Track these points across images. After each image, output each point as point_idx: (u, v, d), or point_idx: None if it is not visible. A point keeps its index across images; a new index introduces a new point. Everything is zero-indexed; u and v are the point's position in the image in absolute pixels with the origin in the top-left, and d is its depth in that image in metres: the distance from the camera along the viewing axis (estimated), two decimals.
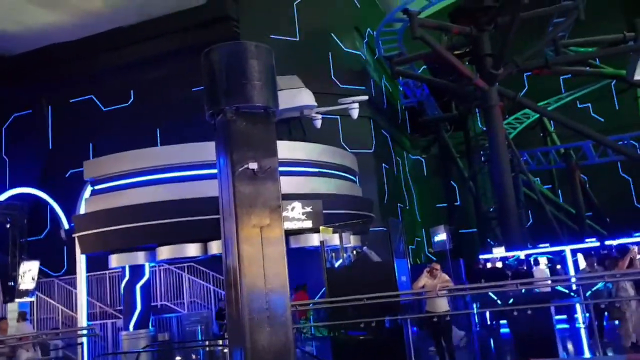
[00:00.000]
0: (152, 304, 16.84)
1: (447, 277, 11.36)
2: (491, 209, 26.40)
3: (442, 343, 10.90)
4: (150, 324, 15.69)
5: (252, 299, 6.12)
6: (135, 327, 15.18)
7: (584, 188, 27.11)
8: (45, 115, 22.72)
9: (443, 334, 10.90)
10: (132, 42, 20.87)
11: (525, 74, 28.66)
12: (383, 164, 23.34)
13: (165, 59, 20.67)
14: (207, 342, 14.81)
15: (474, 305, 14.07)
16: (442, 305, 11.07)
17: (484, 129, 24.45)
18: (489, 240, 25.72)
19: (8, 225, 15.86)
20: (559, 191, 28.93)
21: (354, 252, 15.46)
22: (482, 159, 27.75)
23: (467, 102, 27.27)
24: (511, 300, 11.81)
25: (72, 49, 21.57)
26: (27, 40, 21.39)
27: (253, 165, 5.33)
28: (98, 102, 22.13)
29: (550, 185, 29.04)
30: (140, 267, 15.57)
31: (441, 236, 18.80)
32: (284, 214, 13.68)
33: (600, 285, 11.28)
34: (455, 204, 29.30)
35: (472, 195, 27.69)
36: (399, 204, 24.71)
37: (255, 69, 5.63)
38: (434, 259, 22.56)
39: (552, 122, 28.34)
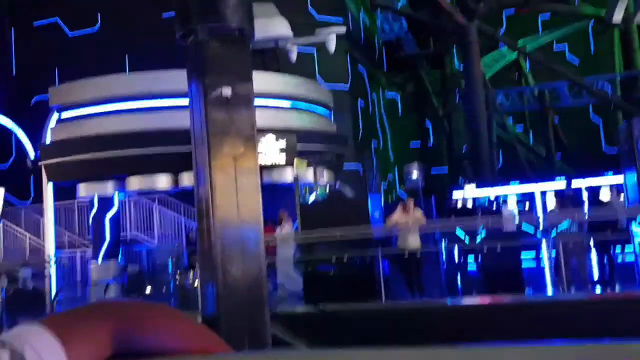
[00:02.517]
0: (122, 235, 16.69)
1: (420, 213, 11.45)
2: (464, 149, 26.54)
3: (412, 278, 11.10)
4: (119, 255, 15.60)
5: (224, 230, 5.99)
6: (105, 258, 15.08)
7: (556, 130, 27.37)
8: (7, 38, 21.54)
9: (414, 270, 11.09)
10: None
11: (505, 13, 28.19)
12: (359, 100, 23.05)
13: None
14: (177, 274, 14.81)
15: (442, 242, 14.32)
16: (414, 241, 11.20)
17: (461, 69, 24.18)
18: (460, 179, 26.01)
19: None
20: (531, 132, 29.18)
21: (327, 188, 15.42)
22: (457, 98, 27.63)
23: (445, 39, 26.83)
24: (479, 239, 12.04)
25: None
26: None
27: (227, 91, 5.04)
28: (64, 26, 21.02)
29: (522, 126, 29.24)
30: (110, 198, 15.30)
31: (414, 174, 18.88)
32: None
33: (565, 224, 11.52)
34: (429, 143, 29.37)
35: (446, 134, 27.71)
36: (373, 141, 24.63)
37: None
38: (405, 196, 22.77)
39: (528, 63, 28.18)
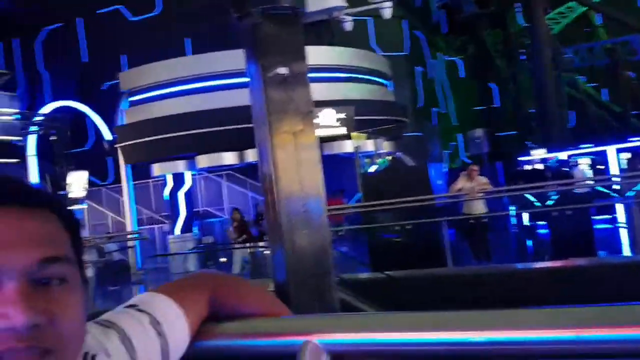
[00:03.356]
0: (195, 209, 17.50)
1: (485, 180, 11.34)
2: (532, 110, 25.66)
3: (478, 244, 11.06)
4: (194, 228, 16.40)
5: (288, 203, 6.26)
6: (181, 231, 15.93)
7: (631, 85, 25.92)
8: (75, 28, 22.62)
9: (480, 235, 11.04)
10: None
11: None
12: (416, 67, 22.69)
13: None
14: (248, 244, 15.42)
15: (511, 208, 14.09)
16: (479, 207, 11.13)
17: (525, 25, 23.22)
18: (528, 143, 25.25)
19: (53, 137, 16.36)
20: (603, 90, 27.75)
21: (388, 157, 15.48)
22: (523, 57, 26.59)
23: None
24: (550, 202, 11.75)
25: None
26: None
27: (283, 70, 5.24)
28: (125, 12, 21.83)
29: (595, 84, 27.84)
30: (182, 175, 16.05)
31: (478, 139, 18.57)
32: (316, 121, 13.66)
33: None
34: (493, 106, 28.50)
35: (511, 96, 26.85)
36: (433, 108, 24.26)
37: None
38: (470, 162, 22.42)
39: (598, 15, 26.64)
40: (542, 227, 12.60)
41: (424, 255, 10.86)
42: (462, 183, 10.96)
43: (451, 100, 27.78)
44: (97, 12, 22.04)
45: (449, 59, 28.89)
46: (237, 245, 12.93)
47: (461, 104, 28.23)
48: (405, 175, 12.68)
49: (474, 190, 10.68)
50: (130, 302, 0.90)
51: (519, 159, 18.52)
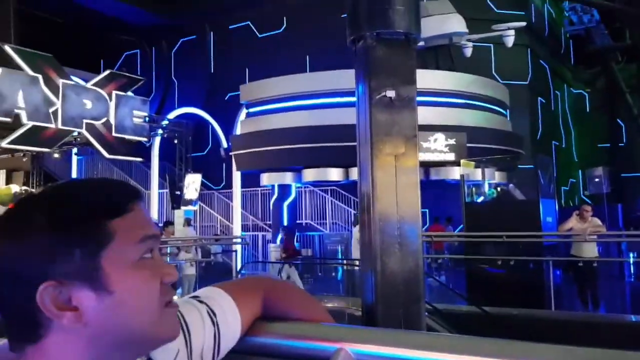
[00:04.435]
0: (298, 221, 17.96)
1: (599, 222, 10.59)
2: None
3: (586, 289, 10.36)
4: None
5: (384, 224, 6.28)
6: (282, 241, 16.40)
7: None
8: (207, 41, 24.28)
9: (588, 280, 10.33)
10: None
11: None
12: (539, 98, 21.73)
13: None
14: (345, 261, 15.56)
15: (630, 254, 13.06)
16: (590, 250, 10.43)
17: None
18: None
19: (176, 141, 17.61)
20: None
21: (497, 188, 14.94)
22: None
23: None
24: None
25: None
26: None
27: (390, 93, 5.31)
28: (254, 28, 23.08)
29: None
30: (288, 187, 16.58)
31: (598, 178, 17.38)
32: (426, 145, 13.56)
33: None
34: (620, 144, 26.50)
35: None
36: (553, 142, 23.06)
37: None
38: (589, 202, 20.98)
39: None
40: None
41: (526, 295, 10.34)
42: (573, 223, 10.33)
43: (574, 134, 26.26)
44: (230, 27, 23.54)
45: (576, 91, 27.37)
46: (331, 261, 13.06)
47: (584, 140, 26.58)
48: (513, 209, 12.18)
49: (585, 232, 10.01)
50: (195, 293, 1.04)
51: None
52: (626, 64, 26.27)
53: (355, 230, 12.96)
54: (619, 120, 26.46)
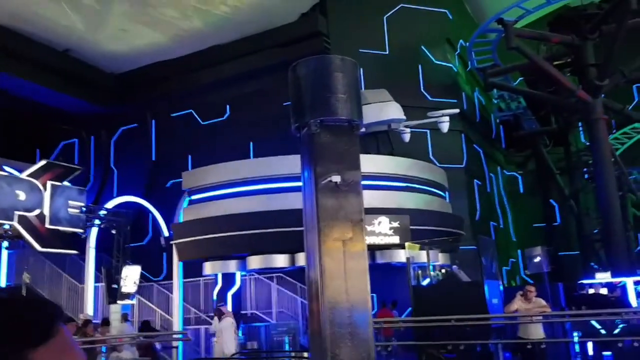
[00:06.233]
0: (242, 312, 17.27)
1: (543, 302, 10.72)
2: (595, 231, 24.68)
3: None
4: (240, 332, 16.08)
5: (333, 313, 6.07)
6: None
7: None
8: (149, 129, 24.18)
9: None
10: (229, 59, 21.79)
11: (635, 85, 26.70)
12: (475, 180, 22.59)
13: (259, 75, 21.36)
14: (293, 353, 14.94)
15: (574, 334, 13.16)
16: (536, 331, 10.45)
17: (587, 144, 22.99)
18: (592, 264, 24.04)
19: (114, 231, 16.93)
20: None
21: (442, 270, 15.01)
22: (586, 176, 26.04)
23: (568, 116, 25.82)
24: (617, 330, 10.91)
25: (174, 67, 22.88)
26: (133, 59, 22.98)
27: (336, 178, 5.31)
28: (197, 116, 23.24)
29: None
30: (232, 275, 16.06)
31: (537, 258, 17.83)
32: (371, 228, 13.60)
33: None
34: (555, 224, 27.63)
35: (574, 215, 26.06)
36: (492, 222, 23.76)
37: (340, 82, 5.63)
38: (531, 281, 21.40)
39: None
40: (608, 358, 11.61)
41: None
42: (518, 304, 10.40)
43: (510, 215, 27.18)
44: (172, 115, 23.60)
45: (509, 173, 28.68)
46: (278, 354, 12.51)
47: (521, 220, 27.55)
48: (459, 291, 12.21)
49: (530, 313, 10.08)
50: None
51: (582, 281, 17.58)
52: (554, 147, 27.97)
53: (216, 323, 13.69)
54: (552, 201, 27.74)
